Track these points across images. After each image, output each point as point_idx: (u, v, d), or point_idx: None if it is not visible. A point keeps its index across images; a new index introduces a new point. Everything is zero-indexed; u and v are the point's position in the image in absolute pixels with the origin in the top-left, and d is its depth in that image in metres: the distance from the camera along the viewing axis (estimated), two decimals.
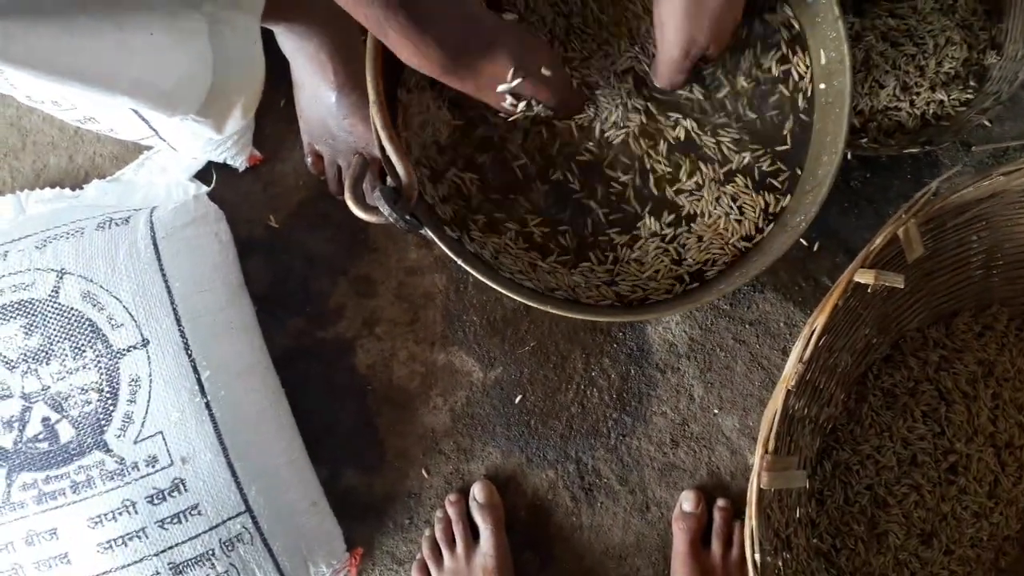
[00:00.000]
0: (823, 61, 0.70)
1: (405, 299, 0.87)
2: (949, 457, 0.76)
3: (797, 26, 0.71)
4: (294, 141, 0.88)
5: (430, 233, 0.62)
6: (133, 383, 0.73)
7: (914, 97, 0.82)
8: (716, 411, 0.85)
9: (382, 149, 0.61)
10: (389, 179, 0.61)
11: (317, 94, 0.83)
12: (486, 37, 0.61)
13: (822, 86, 0.70)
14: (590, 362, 0.86)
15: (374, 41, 0.62)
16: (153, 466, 0.72)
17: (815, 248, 0.86)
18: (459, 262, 0.63)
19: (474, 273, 0.64)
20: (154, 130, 0.80)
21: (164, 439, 0.72)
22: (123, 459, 0.72)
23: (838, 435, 0.76)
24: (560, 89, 0.68)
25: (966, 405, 0.77)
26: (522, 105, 0.66)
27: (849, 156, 0.82)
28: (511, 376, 0.86)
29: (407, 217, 0.59)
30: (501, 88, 0.63)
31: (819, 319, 0.62)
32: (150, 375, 0.74)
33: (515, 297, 0.65)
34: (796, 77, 0.72)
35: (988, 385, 0.77)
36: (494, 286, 0.64)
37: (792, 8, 0.71)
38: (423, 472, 0.85)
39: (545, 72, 0.65)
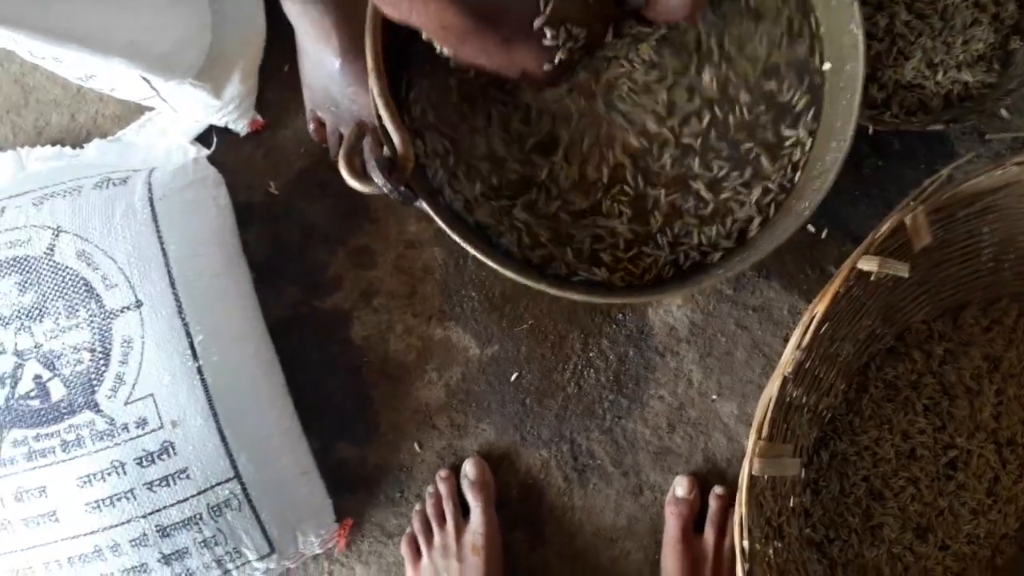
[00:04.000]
0: (835, 44, 0.68)
1: (404, 272, 0.86)
2: (949, 452, 0.75)
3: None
4: (297, 108, 0.87)
5: (425, 205, 0.61)
6: (125, 344, 0.73)
7: (939, 75, 0.80)
8: (714, 397, 0.84)
9: (379, 118, 0.59)
10: (386, 149, 0.60)
11: (321, 60, 0.82)
12: None
13: (827, 66, 0.68)
14: (588, 342, 0.85)
15: (374, 7, 0.61)
16: (143, 428, 0.72)
17: (823, 236, 0.84)
18: (454, 236, 0.62)
19: (470, 249, 0.62)
20: (155, 91, 0.79)
21: (155, 401, 0.72)
22: (113, 420, 0.71)
23: (836, 425, 0.75)
24: (586, 6, 0.64)
25: (969, 400, 0.75)
26: (562, 34, 0.62)
27: (871, 130, 0.80)
28: (508, 353, 0.85)
29: (401, 188, 0.58)
30: (538, 22, 0.60)
31: (819, 306, 0.61)
32: (143, 337, 0.73)
33: (512, 276, 0.63)
34: (806, 58, 0.70)
35: (993, 381, 0.76)
36: (490, 263, 0.63)
37: None
38: (416, 446, 0.84)
39: None
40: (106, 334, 0.73)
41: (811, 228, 0.85)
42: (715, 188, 0.70)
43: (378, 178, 0.56)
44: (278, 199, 0.88)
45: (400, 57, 0.70)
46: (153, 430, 0.72)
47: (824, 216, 0.85)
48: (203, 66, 0.70)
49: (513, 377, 0.84)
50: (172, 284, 0.76)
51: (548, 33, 0.61)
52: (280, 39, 0.83)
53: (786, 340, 0.84)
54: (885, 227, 0.62)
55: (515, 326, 0.85)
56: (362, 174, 0.57)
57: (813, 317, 0.61)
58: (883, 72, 0.80)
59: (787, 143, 0.70)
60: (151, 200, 0.79)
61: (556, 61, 0.64)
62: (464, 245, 0.62)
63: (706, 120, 0.70)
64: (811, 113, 0.70)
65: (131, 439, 0.71)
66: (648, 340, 0.85)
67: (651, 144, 0.70)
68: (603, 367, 0.85)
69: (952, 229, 0.70)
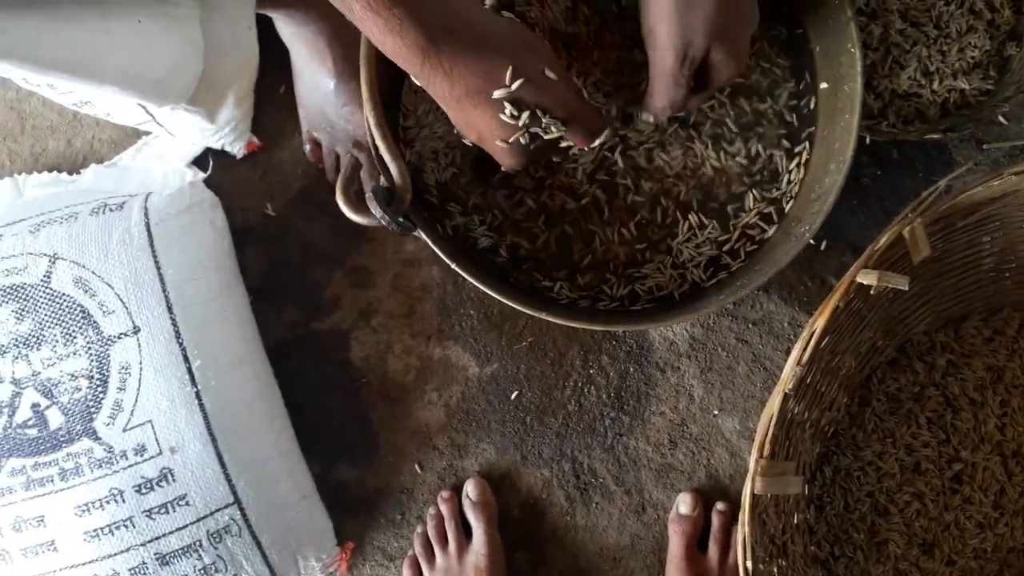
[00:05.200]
0: (832, 64, 0.67)
1: (402, 291, 0.85)
2: (954, 465, 0.74)
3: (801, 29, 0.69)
4: (293, 129, 0.87)
5: (424, 236, 0.61)
6: (123, 371, 0.73)
7: (935, 84, 0.80)
8: (716, 412, 0.83)
9: (376, 148, 0.59)
10: (383, 179, 0.59)
11: (316, 81, 0.82)
12: (476, 25, 0.51)
13: (824, 85, 0.68)
14: (588, 359, 0.84)
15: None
16: (141, 455, 0.71)
17: (822, 247, 0.83)
18: (453, 267, 0.61)
19: (469, 278, 0.62)
20: (151, 115, 0.79)
21: (153, 428, 0.72)
22: (112, 447, 0.71)
23: (839, 440, 0.74)
24: (570, 100, 0.56)
25: (973, 412, 0.74)
26: (525, 116, 0.54)
27: (868, 140, 0.80)
28: (508, 372, 0.84)
29: (400, 219, 0.57)
30: (498, 94, 0.53)
31: (819, 321, 0.60)
32: (140, 363, 0.73)
33: (512, 304, 0.62)
34: (802, 78, 0.70)
35: (996, 392, 0.75)
36: (487, 291, 0.62)
37: (801, 10, 0.69)
38: (416, 468, 0.84)
39: (550, 75, 0.54)
40: (104, 361, 0.73)
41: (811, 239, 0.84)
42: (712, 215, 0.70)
43: (376, 210, 0.55)
44: (275, 220, 0.87)
45: (397, 77, 0.70)
46: (152, 457, 0.71)
47: (823, 227, 0.84)
48: (196, 91, 0.70)
49: (513, 396, 0.84)
50: (170, 309, 0.76)
51: (507, 108, 0.54)
52: (275, 61, 0.83)
53: (787, 353, 0.83)
54: (884, 240, 0.61)
55: (514, 344, 0.84)
56: (360, 206, 0.57)
57: (813, 332, 0.61)
58: (879, 82, 0.80)
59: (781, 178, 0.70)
60: (148, 225, 0.78)
61: (511, 141, 0.56)
62: (466, 276, 0.62)
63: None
64: (805, 135, 0.70)
65: (129, 466, 0.71)
66: (648, 356, 0.84)
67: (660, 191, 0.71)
68: (604, 384, 0.84)
69: (952, 239, 0.69)
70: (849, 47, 0.64)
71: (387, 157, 0.57)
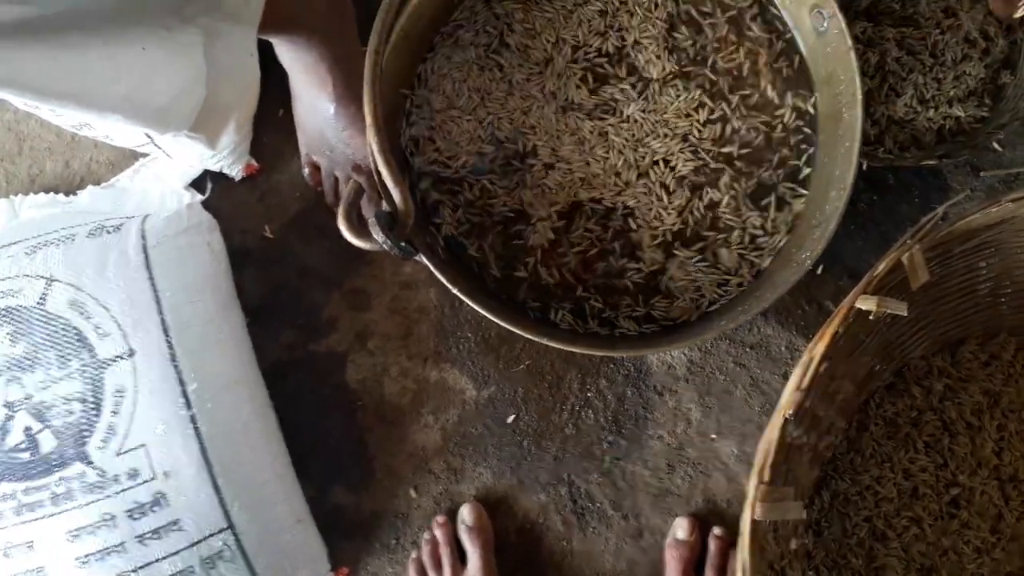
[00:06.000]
0: (833, 92, 0.68)
1: (399, 313, 0.85)
2: (951, 490, 0.74)
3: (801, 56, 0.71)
4: (292, 151, 0.87)
5: (425, 260, 0.61)
6: (118, 394, 0.72)
7: (931, 111, 0.80)
8: (714, 436, 0.83)
9: (378, 174, 0.59)
10: (385, 204, 0.59)
11: (315, 105, 0.82)
12: None
13: (825, 111, 0.69)
14: (586, 382, 0.84)
15: (372, 62, 0.61)
16: (135, 479, 0.71)
17: (819, 271, 0.84)
18: (454, 291, 0.62)
19: (470, 303, 0.62)
20: (150, 137, 0.79)
21: (147, 452, 0.71)
22: (104, 472, 0.70)
23: (837, 465, 0.74)
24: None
25: (970, 437, 0.74)
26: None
27: (865, 166, 0.80)
28: (505, 395, 0.84)
29: (402, 244, 0.58)
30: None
31: (818, 346, 0.60)
32: (135, 386, 0.73)
33: (513, 329, 0.63)
34: (800, 110, 0.71)
35: (994, 416, 0.75)
36: (489, 315, 0.63)
37: (801, 38, 0.70)
38: (412, 492, 0.83)
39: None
40: (98, 384, 0.72)
41: None
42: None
43: (379, 235, 0.55)
44: (274, 243, 0.87)
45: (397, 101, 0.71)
46: (145, 481, 0.71)
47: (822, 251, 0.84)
48: (199, 118, 0.70)
49: (510, 419, 0.83)
50: (166, 332, 0.75)
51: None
52: (273, 84, 0.84)
53: (785, 378, 0.84)
54: (882, 266, 0.61)
55: (512, 367, 0.84)
56: (362, 231, 0.57)
57: (813, 357, 0.61)
58: (876, 108, 0.80)
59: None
60: (145, 247, 0.78)
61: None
62: (467, 301, 0.62)
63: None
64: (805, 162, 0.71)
65: (122, 491, 0.70)
66: (646, 379, 0.84)
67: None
68: (601, 407, 0.84)
69: (949, 265, 0.69)
70: (851, 76, 0.65)
71: (389, 182, 0.57)
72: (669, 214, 0.72)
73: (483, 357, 0.84)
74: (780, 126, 0.72)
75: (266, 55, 0.81)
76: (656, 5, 0.74)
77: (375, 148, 0.58)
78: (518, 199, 0.73)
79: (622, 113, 0.74)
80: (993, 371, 0.77)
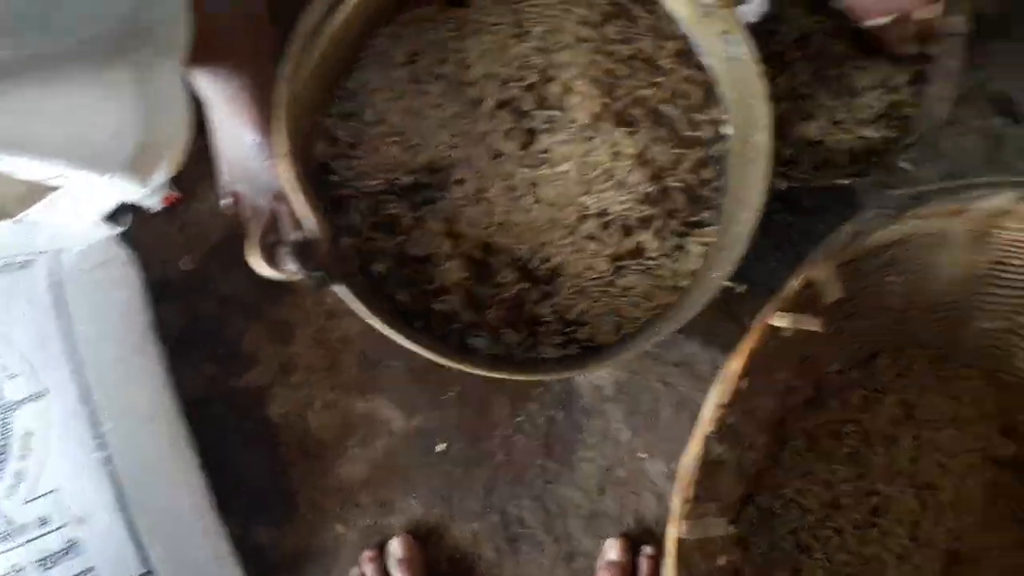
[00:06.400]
0: (743, 114, 0.70)
1: (323, 344, 0.84)
2: (871, 499, 0.76)
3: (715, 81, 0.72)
4: (212, 180, 0.85)
5: (344, 291, 0.60)
6: (26, 437, 0.69)
7: (843, 133, 0.83)
8: (643, 456, 0.84)
9: (291, 201, 0.59)
10: (299, 232, 0.59)
11: (238, 135, 0.81)
12: None
13: (731, 131, 0.70)
14: (516, 407, 0.84)
15: (284, 90, 0.60)
16: (45, 526, 0.68)
17: (739, 290, 0.86)
18: (371, 321, 0.61)
19: (388, 332, 0.62)
20: (63, 171, 0.77)
21: (58, 498, 0.68)
22: (12, 520, 0.67)
23: (761, 480, 0.75)
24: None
25: (887, 447, 0.77)
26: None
27: (780, 187, 0.83)
28: (433, 424, 0.83)
29: (316, 273, 0.57)
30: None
31: (735, 363, 0.62)
32: (46, 428, 0.70)
33: (433, 357, 0.63)
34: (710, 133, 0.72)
35: (909, 427, 0.78)
36: (407, 345, 0.62)
37: (714, 63, 0.72)
38: (339, 527, 0.81)
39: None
40: (6, 428, 0.69)
41: (728, 282, 0.86)
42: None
43: (290, 265, 0.55)
44: (194, 273, 0.85)
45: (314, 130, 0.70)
46: (57, 528, 0.68)
47: (740, 271, 0.86)
48: (133, 160, 0.68)
49: (440, 448, 0.83)
50: (79, 371, 0.73)
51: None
52: (192, 111, 0.82)
53: None
54: (795, 283, 0.63)
55: (440, 395, 0.84)
56: (273, 261, 0.56)
57: (729, 375, 0.62)
58: (791, 130, 0.83)
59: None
60: (58, 283, 0.76)
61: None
62: (385, 331, 0.61)
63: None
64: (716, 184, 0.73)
65: (31, 540, 0.67)
66: (575, 401, 0.84)
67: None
68: (532, 431, 0.84)
69: (860, 281, 0.71)
70: (759, 101, 0.67)
71: (302, 210, 0.57)
72: (600, 262, 0.73)
73: (410, 386, 0.84)
74: (698, 153, 0.74)
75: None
76: (585, 40, 0.75)
77: (287, 176, 0.57)
78: (429, 231, 0.73)
79: (554, 163, 0.74)
80: (908, 382, 0.79)
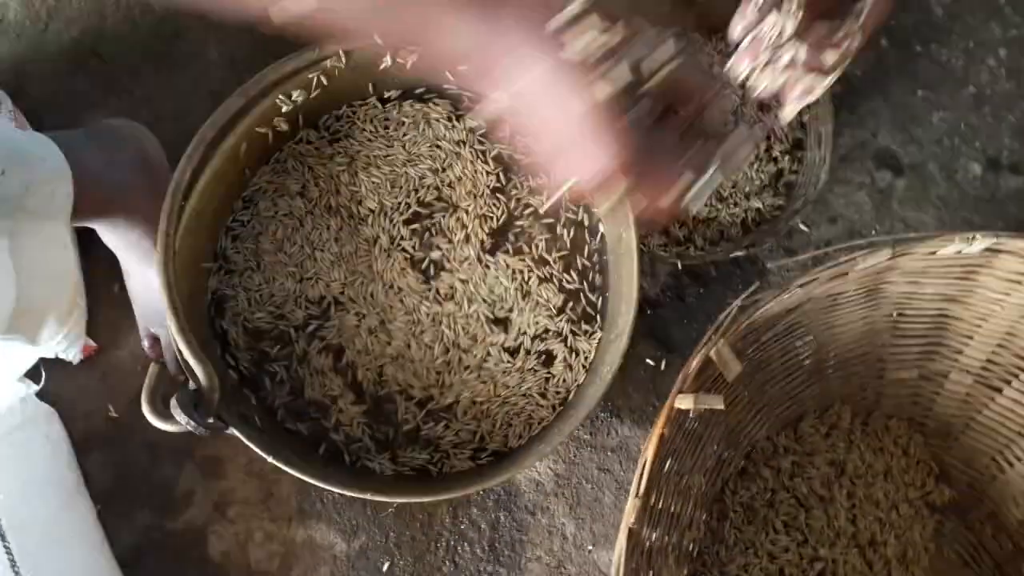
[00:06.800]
0: (613, 217, 0.73)
1: (256, 475, 0.83)
2: (816, 565, 0.75)
3: None
4: (130, 326, 0.86)
5: (239, 434, 0.60)
6: None
7: (732, 207, 0.86)
8: (590, 547, 0.83)
9: (179, 352, 0.59)
10: (191, 382, 0.59)
11: (147, 279, 0.82)
12: None
13: (605, 229, 0.73)
14: (458, 514, 0.83)
15: (164, 244, 0.61)
16: None
17: (662, 367, 0.87)
18: (270, 460, 0.61)
19: (289, 470, 0.62)
20: None
21: None
22: None
23: (705, 559, 0.75)
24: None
25: (824, 508, 0.77)
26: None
27: (680, 266, 0.85)
28: (376, 543, 0.82)
29: (210, 421, 0.57)
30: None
31: (648, 451, 0.62)
32: None
33: (340, 491, 0.63)
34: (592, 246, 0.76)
35: (842, 485, 0.78)
36: (309, 480, 0.63)
37: None
38: None
39: None
40: None
41: (650, 361, 0.87)
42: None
43: (181, 417, 0.55)
44: (119, 422, 0.85)
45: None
46: None
47: (660, 347, 0.88)
48: (11, 322, 0.69)
49: (385, 567, 0.81)
50: (2, 537, 0.71)
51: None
52: (105, 261, 0.83)
53: None
54: (694, 364, 0.64)
55: (380, 512, 0.83)
56: (165, 413, 0.56)
57: (645, 462, 0.62)
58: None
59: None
60: None
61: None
62: (287, 469, 0.62)
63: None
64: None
65: None
66: (517, 500, 0.84)
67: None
68: (476, 538, 0.83)
69: (765, 350, 0.73)
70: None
71: (191, 360, 0.57)
72: (507, 381, 0.74)
73: (349, 507, 0.83)
74: (582, 262, 0.77)
75: (92, 237, 0.81)
76: (484, 173, 0.78)
77: (174, 328, 0.58)
78: (317, 369, 0.74)
79: (458, 301, 0.75)
80: (834, 441, 0.80)
